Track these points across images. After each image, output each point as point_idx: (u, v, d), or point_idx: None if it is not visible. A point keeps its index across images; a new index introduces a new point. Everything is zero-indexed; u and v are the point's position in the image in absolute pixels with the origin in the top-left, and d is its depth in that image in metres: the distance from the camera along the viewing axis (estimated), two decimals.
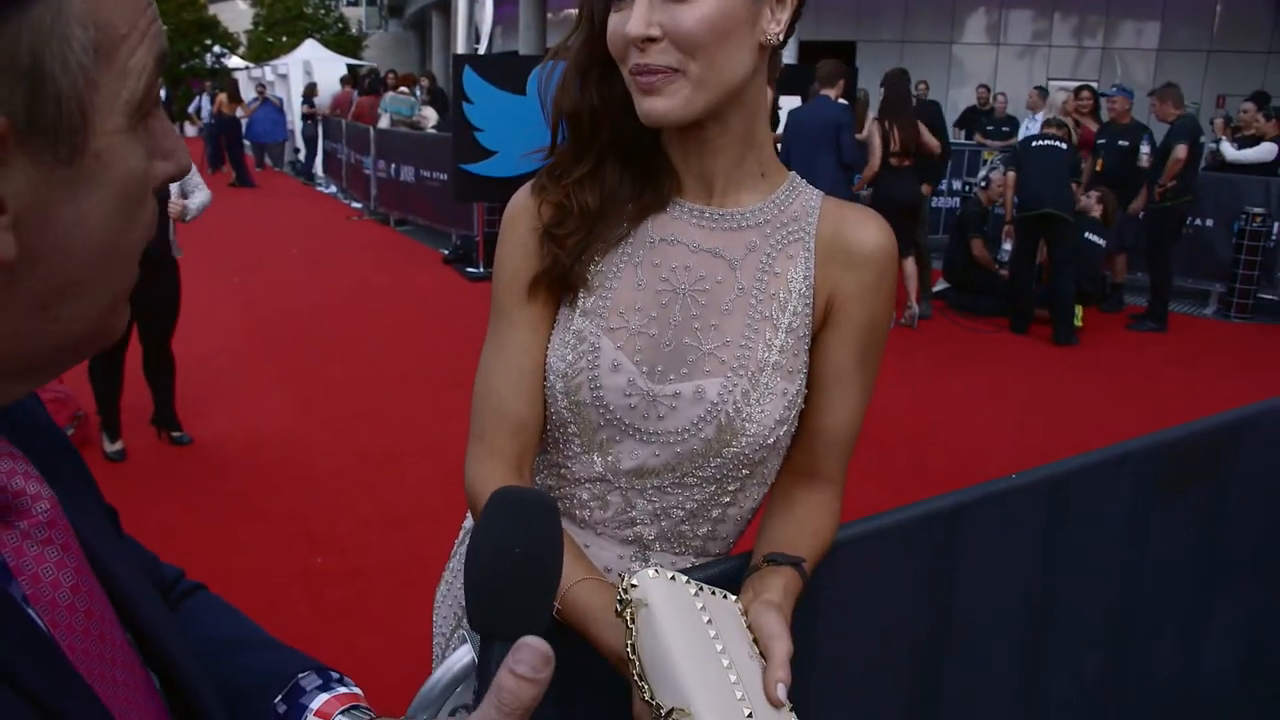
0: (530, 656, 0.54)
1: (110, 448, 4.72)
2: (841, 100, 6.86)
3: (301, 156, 18.15)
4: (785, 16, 1.03)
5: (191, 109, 22.20)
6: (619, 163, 1.10)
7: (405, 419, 5.28)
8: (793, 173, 1.15)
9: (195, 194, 4.62)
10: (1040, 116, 10.55)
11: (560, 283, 1.10)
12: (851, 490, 1.18)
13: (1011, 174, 7.42)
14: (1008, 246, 7.99)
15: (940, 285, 8.09)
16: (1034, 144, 7.44)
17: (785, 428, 1.10)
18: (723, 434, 1.07)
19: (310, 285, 8.60)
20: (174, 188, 4.45)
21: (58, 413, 4.79)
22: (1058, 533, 1.35)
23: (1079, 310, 7.36)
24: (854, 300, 1.09)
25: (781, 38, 1.03)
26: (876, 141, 6.99)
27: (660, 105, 1.00)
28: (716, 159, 1.09)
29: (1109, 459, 1.39)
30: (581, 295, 1.10)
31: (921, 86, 12.60)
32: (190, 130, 22.45)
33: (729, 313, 1.09)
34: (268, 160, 18.94)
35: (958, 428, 5.43)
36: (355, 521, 4.11)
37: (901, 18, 18.43)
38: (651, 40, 0.98)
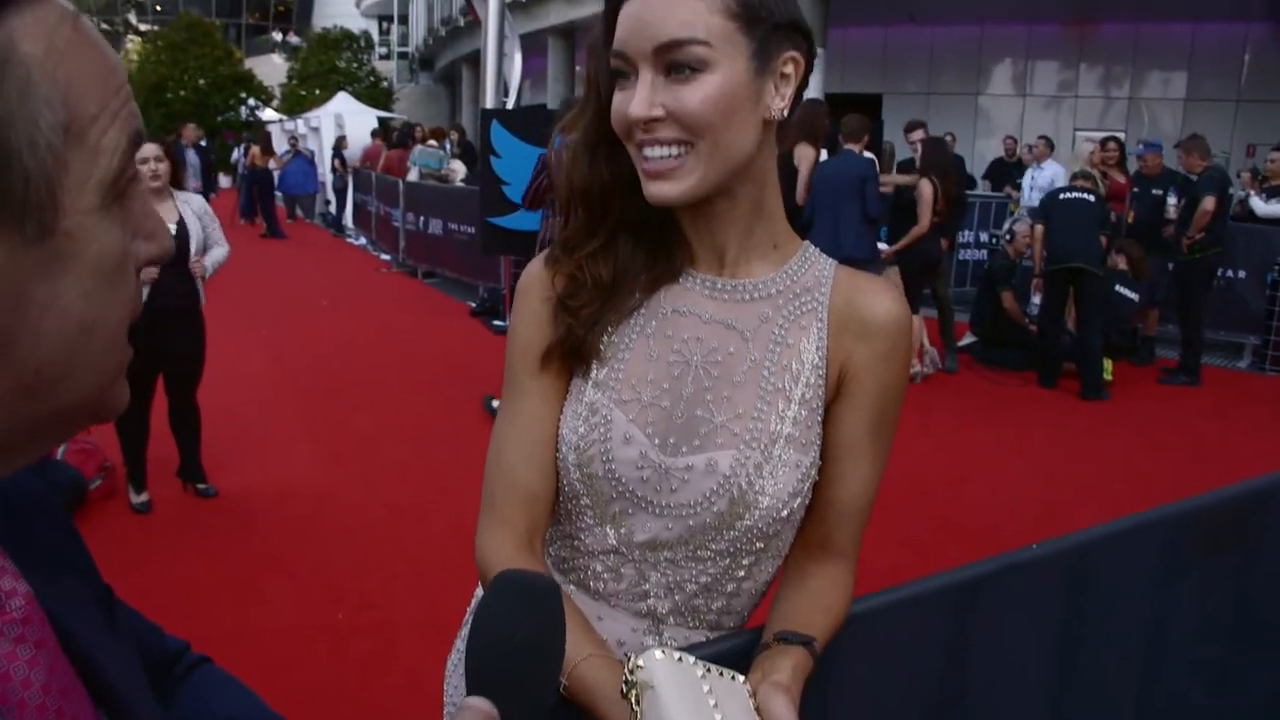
0: (472, 718, 0.52)
1: (136, 499, 4.74)
2: (867, 154, 6.90)
3: (332, 208, 18.40)
4: (789, 91, 1.03)
5: (233, 159, 22.59)
6: (632, 236, 1.10)
7: (432, 471, 5.29)
8: (806, 242, 1.15)
9: (214, 249, 4.69)
10: (1047, 166, 10.54)
11: (573, 354, 1.10)
12: (872, 544, 1.17)
13: (1040, 227, 7.39)
14: (1037, 300, 7.94)
15: (967, 339, 8.04)
16: (1062, 196, 7.42)
17: (799, 500, 1.09)
18: (735, 507, 1.06)
19: (339, 336, 8.67)
20: (193, 242, 4.52)
21: (85, 463, 4.84)
22: (1079, 604, 1.32)
23: (1109, 364, 7.28)
24: (867, 370, 1.09)
25: (785, 113, 1.03)
26: (928, 199, 6.95)
27: (666, 189, 1.01)
28: (727, 231, 1.09)
29: (1133, 528, 1.36)
30: (594, 367, 1.10)
31: (948, 138, 12.66)
32: (225, 181, 22.87)
33: (741, 385, 1.08)
34: (299, 212, 19.22)
35: (983, 482, 5.37)
36: (381, 575, 4.10)
37: (927, 70, 18.55)
38: (655, 120, 0.98)
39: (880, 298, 1.10)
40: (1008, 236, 8.50)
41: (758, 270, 1.11)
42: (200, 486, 4.92)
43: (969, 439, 6.16)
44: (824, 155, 7.61)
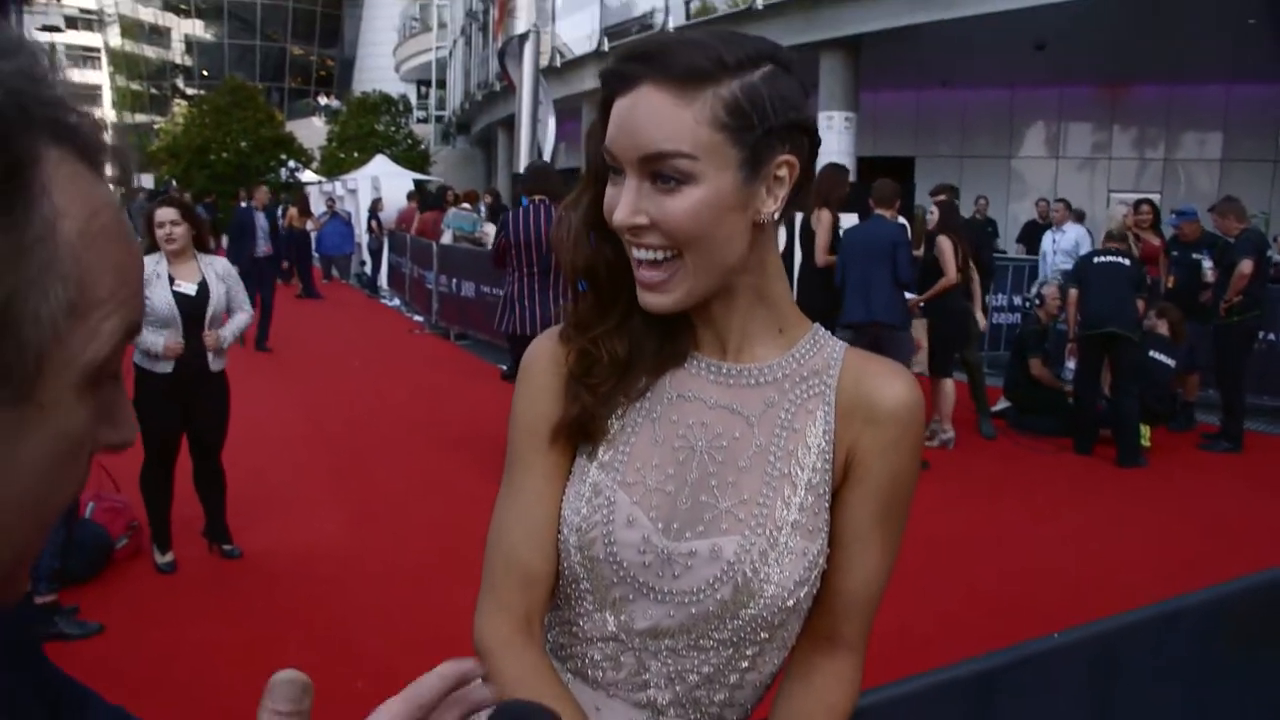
0: (288, 690, 0.54)
1: (161, 559, 4.74)
2: (899, 219, 6.90)
3: (367, 269, 18.62)
4: (783, 192, 1.00)
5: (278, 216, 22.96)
6: (642, 316, 1.08)
7: (460, 534, 5.23)
8: (816, 325, 1.12)
9: (235, 315, 4.74)
10: (1069, 229, 10.47)
11: (583, 432, 1.08)
12: (894, 608, 1.12)
13: (1074, 291, 7.31)
14: (1072, 365, 7.83)
15: (1001, 404, 7.93)
16: (1095, 260, 7.35)
17: (806, 589, 1.05)
18: (739, 595, 1.02)
19: (370, 397, 8.71)
20: (212, 305, 4.56)
21: (112, 522, 4.85)
22: (1106, 699, 1.26)
23: (1146, 430, 7.14)
24: (875, 456, 1.05)
25: (777, 215, 1.01)
26: (949, 254, 6.96)
27: (656, 301, 1.00)
28: (729, 319, 1.07)
29: (1161, 615, 1.30)
30: (600, 448, 1.08)
31: (981, 201, 12.64)
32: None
33: (746, 470, 1.05)
34: (335, 272, 19.47)
35: (1014, 551, 5.24)
36: (403, 642, 4.04)
37: (960, 132, 18.59)
38: (640, 227, 0.97)
39: (891, 382, 1.07)
40: (1037, 301, 8.44)
41: (763, 354, 1.09)
42: (225, 547, 4.91)
43: (1001, 506, 6.04)
44: (854, 219, 7.62)
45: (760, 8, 14.37)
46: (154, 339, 4.42)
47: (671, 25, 16.95)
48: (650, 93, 0.95)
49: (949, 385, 7.05)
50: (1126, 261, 7.10)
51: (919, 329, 7.55)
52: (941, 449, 6.99)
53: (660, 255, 0.99)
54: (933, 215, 7.60)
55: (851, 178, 10.46)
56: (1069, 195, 16.76)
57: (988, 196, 13.48)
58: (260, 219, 11.97)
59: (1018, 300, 10.94)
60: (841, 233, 7.20)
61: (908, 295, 7.16)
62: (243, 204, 13.37)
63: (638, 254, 1.00)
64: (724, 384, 1.08)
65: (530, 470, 1.10)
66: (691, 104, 0.94)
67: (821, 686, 1.07)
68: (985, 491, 6.28)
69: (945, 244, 6.99)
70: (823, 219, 7.29)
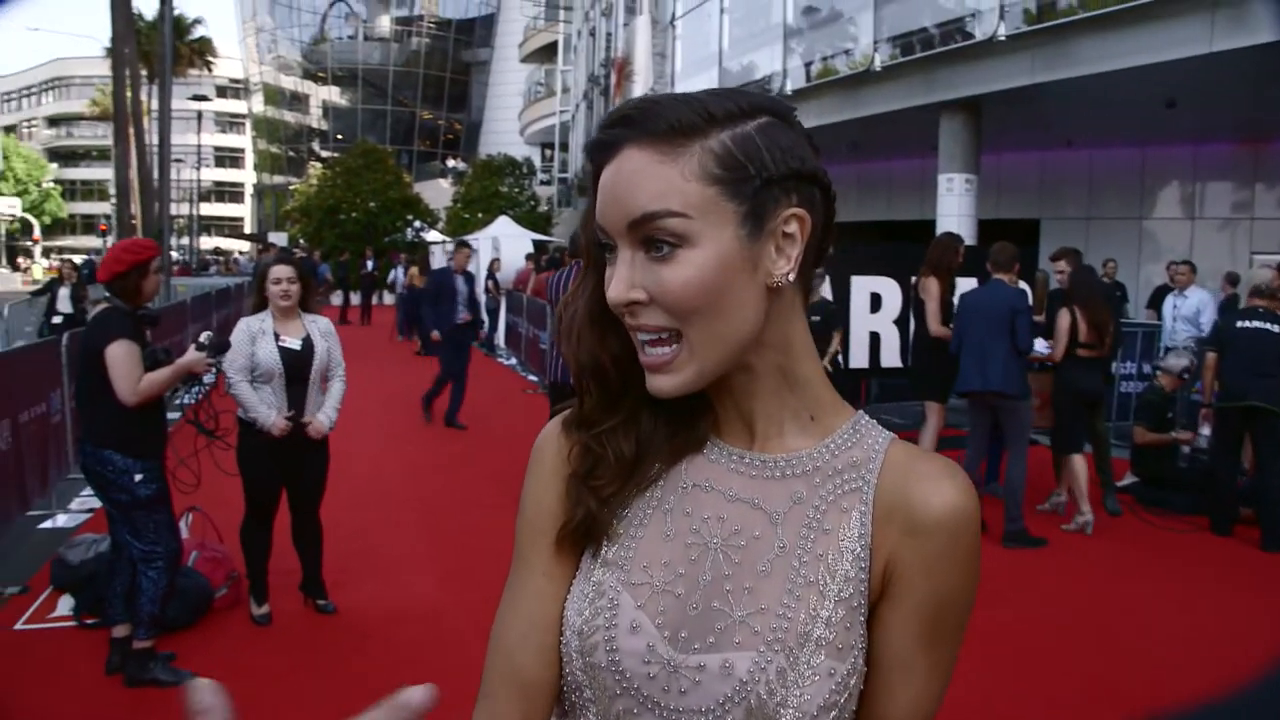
0: (203, 697, 0.60)
1: (257, 611, 4.78)
2: (1020, 284, 6.64)
3: (485, 328, 18.96)
4: (795, 251, 0.90)
5: (390, 278, 23.70)
6: (653, 407, 0.97)
7: None
8: (859, 414, 0.98)
9: (334, 384, 4.84)
10: (1191, 294, 9.89)
11: (585, 536, 0.98)
12: (1010, 699, 0.97)
13: (1211, 355, 6.88)
14: (1206, 432, 7.36)
15: (1128, 478, 7.47)
16: (1239, 325, 6.84)
17: (834, 715, 0.89)
18: (753, 719, 0.88)
19: (476, 458, 8.75)
20: (317, 360, 4.64)
21: (213, 572, 4.93)
22: None
23: None
24: (917, 571, 0.90)
25: (792, 277, 0.90)
26: (1064, 330, 6.63)
27: (665, 384, 0.91)
28: (753, 402, 0.96)
29: None
30: (605, 543, 0.97)
31: (1109, 265, 12.13)
32: (389, 298, 23.96)
33: (767, 575, 0.91)
34: None
35: (1141, 641, 4.87)
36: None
37: (1087, 193, 17.99)
38: (637, 304, 0.89)
39: (939, 485, 0.91)
40: (1155, 370, 8.00)
41: (793, 444, 0.96)
42: (320, 603, 4.93)
43: (1127, 591, 5.64)
44: (972, 283, 7.37)
45: (878, 69, 14.25)
46: (265, 415, 4.51)
47: (790, 89, 16.97)
48: (633, 154, 0.87)
49: (1079, 461, 6.61)
50: (1275, 328, 6.62)
51: (1042, 384, 7.15)
52: (1080, 533, 6.58)
53: (661, 335, 0.89)
54: (1060, 277, 7.30)
55: (972, 241, 10.20)
56: (1207, 257, 16.00)
57: (1116, 260, 12.93)
58: (459, 282, 11.07)
59: (1146, 368, 10.40)
60: (957, 298, 6.96)
61: (1040, 347, 6.85)
62: (443, 265, 12.61)
63: (640, 337, 0.90)
64: (745, 474, 0.96)
65: (532, 569, 1.01)
66: (678, 159, 0.86)
67: None
68: (1108, 574, 5.89)
69: (1063, 318, 6.67)
70: (929, 287, 7.08)
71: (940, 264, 7.10)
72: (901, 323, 9.26)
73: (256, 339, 4.57)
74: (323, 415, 4.75)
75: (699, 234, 0.86)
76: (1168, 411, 7.51)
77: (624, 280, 0.89)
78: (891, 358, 9.28)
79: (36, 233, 54.88)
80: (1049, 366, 7.00)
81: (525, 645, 0.98)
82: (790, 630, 0.89)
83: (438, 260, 20.49)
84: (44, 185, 65.74)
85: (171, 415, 4.95)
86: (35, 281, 34.04)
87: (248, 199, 73.16)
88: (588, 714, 0.96)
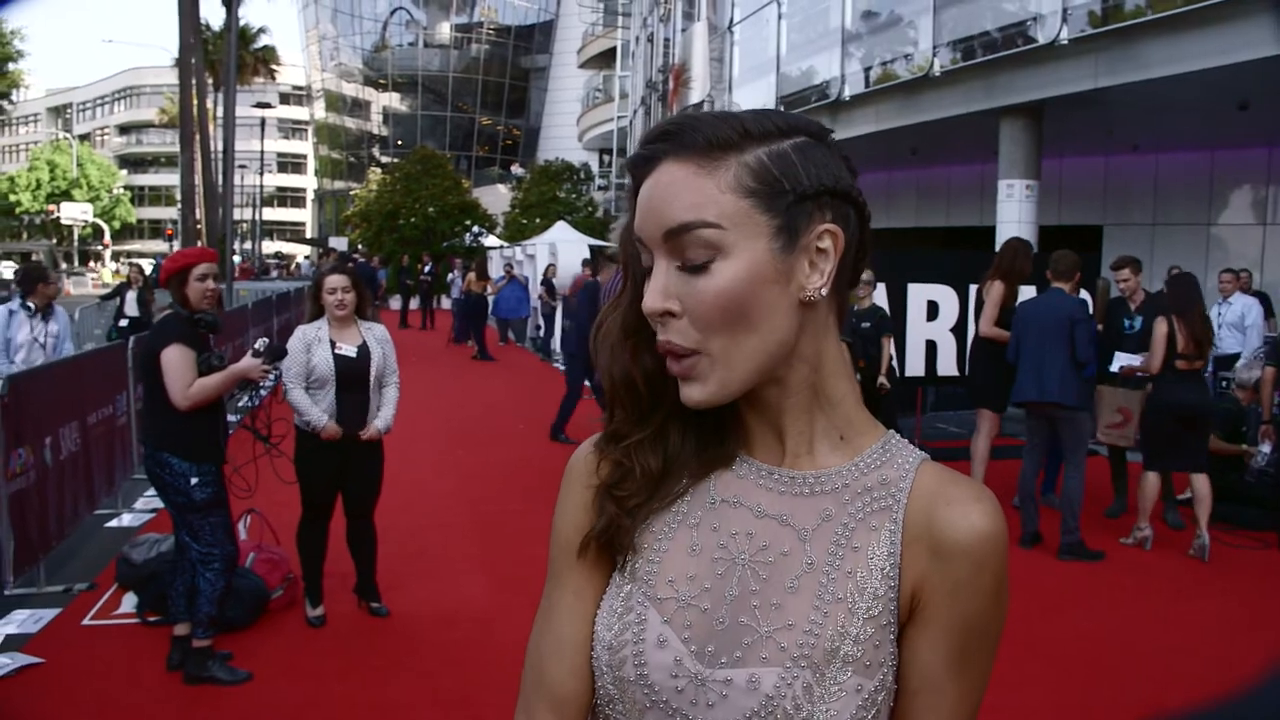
0: None
1: (311, 613, 4.86)
2: (1081, 293, 6.49)
3: (541, 333, 19.07)
4: (829, 267, 0.91)
5: (449, 280, 23.92)
6: (682, 422, 0.98)
7: None
8: (890, 433, 0.98)
9: (388, 390, 4.90)
10: (1235, 300, 9.64)
11: (612, 544, 0.99)
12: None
13: (1270, 370, 6.70)
14: (1266, 449, 7.17)
15: (1189, 493, 7.27)
16: None
17: None
18: None
19: (529, 462, 8.80)
20: (374, 367, 4.71)
21: (270, 573, 5.01)
22: None
23: None
24: (944, 596, 0.89)
25: (825, 291, 0.91)
26: (1160, 338, 6.29)
27: (695, 393, 0.92)
28: (783, 418, 0.96)
29: None
30: (631, 558, 0.98)
31: (1174, 271, 11.86)
32: (446, 303, 24.20)
33: (794, 591, 0.92)
34: (511, 335, 20.02)
35: (1204, 661, 4.74)
36: None
37: (1152, 199, 17.60)
38: (671, 314, 0.90)
39: (966, 511, 0.90)
40: (1232, 384, 7.77)
41: (824, 461, 0.96)
42: (374, 605, 4.99)
43: (1191, 608, 5.50)
44: (1031, 292, 7.26)
45: (938, 74, 14.10)
46: (318, 418, 4.59)
47: (849, 94, 16.85)
48: (671, 168, 0.90)
49: (1151, 481, 6.43)
50: None
51: (1133, 399, 6.91)
52: (1138, 547, 6.43)
53: (686, 349, 0.90)
54: (1122, 286, 7.14)
55: (1034, 248, 10.01)
56: (1278, 266, 15.59)
57: (1181, 266, 12.65)
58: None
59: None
60: (1017, 305, 6.85)
61: (1128, 360, 6.68)
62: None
63: (670, 361, 0.92)
64: (775, 491, 0.96)
65: (563, 586, 1.02)
66: (714, 172, 0.88)
67: None
68: (1166, 590, 5.76)
69: (1160, 327, 6.31)
70: (993, 290, 6.97)
71: (1011, 270, 6.97)
72: (958, 331, 9.15)
73: (312, 346, 4.65)
74: (380, 420, 4.82)
75: (732, 245, 0.88)
76: (1242, 424, 7.31)
77: (659, 290, 0.90)
78: (948, 366, 9.17)
79: (107, 237, 56.35)
80: (1141, 381, 6.71)
81: (558, 662, 0.99)
82: (818, 646, 0.89)
83: (495, 266, 20.66)
84: (115, 191, 67.42)
85: (232, 419, 5.05)
86: (105, 285, 34.94)
87: (309, 204, 74.43)
88: None
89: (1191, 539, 6.29)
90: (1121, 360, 6.80)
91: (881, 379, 7.25)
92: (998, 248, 12.25)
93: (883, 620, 0.90)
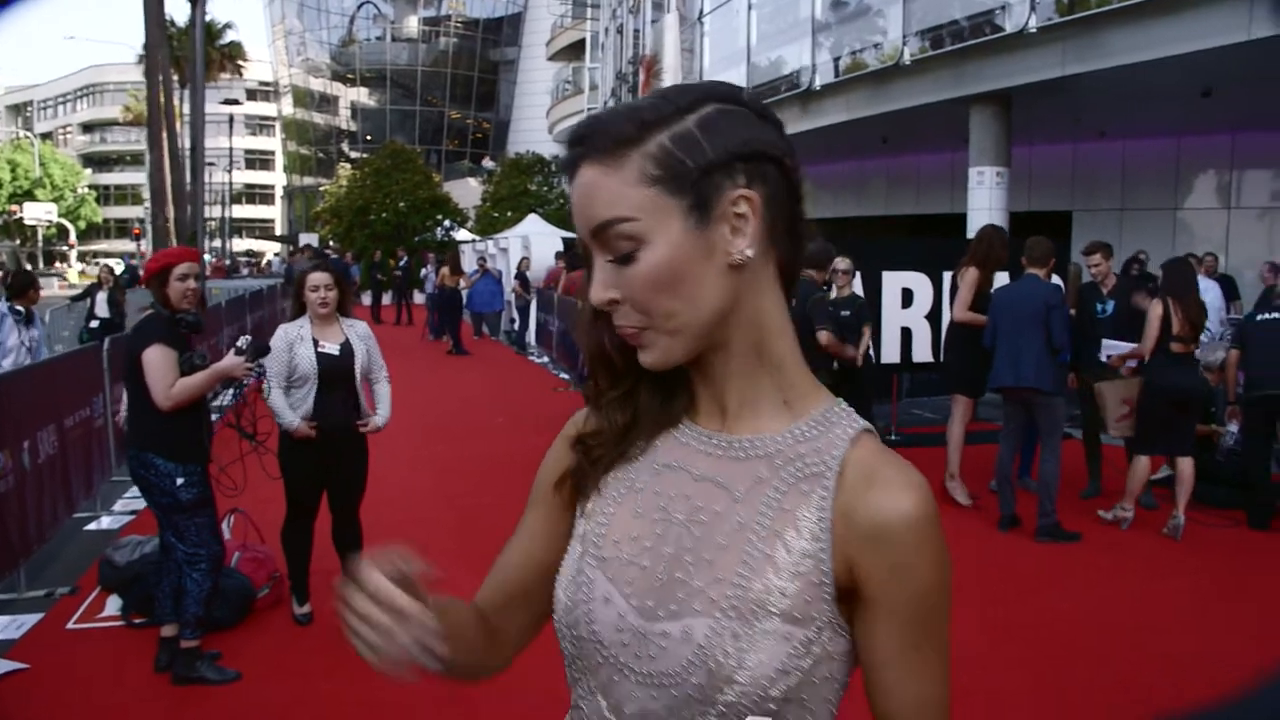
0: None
1: (298, 610, 4.86)
2: (1054, 279, 6.57)
3: (516, 326, 19.06)
4: (750, 228, 0.95)
5: (422, 275, 23.83)
6: (653, 385, 1.06)
7: None
8: (835, 401, 1.03)
9: (379, 385, 4.94)
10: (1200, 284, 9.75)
11: (577, 487, 1.10)
12: (1033, 699, 0.99)
13: (1234, 352, 6.82)
14: (1233, 429, 7.30)
15: (1163, 472, 7.40)
16: (1259, 318, 6.87)
17: (797, 679, 0.93)
18: (714, 680, 0.93)
19: (508, 456, 8.80)
20: (358, 364, 4.72)
21: (255, 572, 5.01)
22: None
23: None
24: (884, 578, 0.94)
25: (750, 251, 0.96)
26: (1155, 319, 6.36)
27: (646, 359, 1.00)
28: (727, 382, 1.02)
29: None
30: (584, 521, 1.07)
31: (1142, 255, 12.00)
32: (419, 298, 24.11)
33: (725, 548, 0.97)
34: (485, 329, 19.98)
35: (1174, 638, 4.83)
36: (523, 708, 4.00)
37: (1120, 184, 17.81)
38: (615, 302, 0.98)
39: (898, 495, 0.94)
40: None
41: (764, 425, 1.01)
42: None
43: (1159, 585, 5.61)
44: (1004, 278, 7.34)
45: (907, 63, 14.18)
46: (289, 421, 4.59)
47: (819, 83, 16.91)
48: (587, 171, 0.96)
49: (1142, 464, 6.52)
50: None
51: (1130, 388, 6.96)
52: (1115, 524, 6.54)
53: (633, 327, 0.99)
54: (1093, 271, 7.22)
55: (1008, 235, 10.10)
56: (1244, 248, 15.81)
57: (1147, 251, 12.80)
58: None
59: None
60: (993, 291, 6.92)
61: (1117, 348, 6.75)
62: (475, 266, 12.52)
63: (617, 326, 1.00)
64: (712, 455, 1.02)
65: (534, 510, 1.15)
66: (621, 169, 0.94)
67: None
68: (1142, 567, 5.86)
69: (1155, 309, 6.38)
70: (967, 276, 7.05)
71: (987, 257, 7.05)
72: (933, 318, 9.24)
73: (294, 345, 4.64)
74: (379, 418, 4.85)
75: (649, 232, 0.94)
76: (1210, 405, 7.43)
77: (599, 284, 0.98)
78: (923, 353, 9.26)
79: (72, 238, 55.66)
80: (1137, 368, 6.74)
81: (513, 562, 1.14)
82: (745, 598, 0.94)
83: (468, 259, 20.59)
84: (79, 191, 66.59)
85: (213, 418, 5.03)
86: (71, 286, 34.54)
87: (278, 201, 73.83)
88: (581, 685, 1.05)
89: (1166, 519, 6.40)
90: (1110, 349, 6.86)
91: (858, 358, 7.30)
92: (969, 235, 12.38)
93: (813, 578, 0.94)
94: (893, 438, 9.34)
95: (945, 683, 0.98)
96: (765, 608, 0.94)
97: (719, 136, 0.94)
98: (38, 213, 54.33)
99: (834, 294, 7.21)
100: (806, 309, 6.65)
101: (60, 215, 57.24)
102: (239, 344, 4.40)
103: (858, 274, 7.93)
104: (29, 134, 67.77)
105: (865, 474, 0.96)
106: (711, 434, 1.03)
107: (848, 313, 7.35)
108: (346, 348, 4.73)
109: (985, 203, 13.52)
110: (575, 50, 40.95)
